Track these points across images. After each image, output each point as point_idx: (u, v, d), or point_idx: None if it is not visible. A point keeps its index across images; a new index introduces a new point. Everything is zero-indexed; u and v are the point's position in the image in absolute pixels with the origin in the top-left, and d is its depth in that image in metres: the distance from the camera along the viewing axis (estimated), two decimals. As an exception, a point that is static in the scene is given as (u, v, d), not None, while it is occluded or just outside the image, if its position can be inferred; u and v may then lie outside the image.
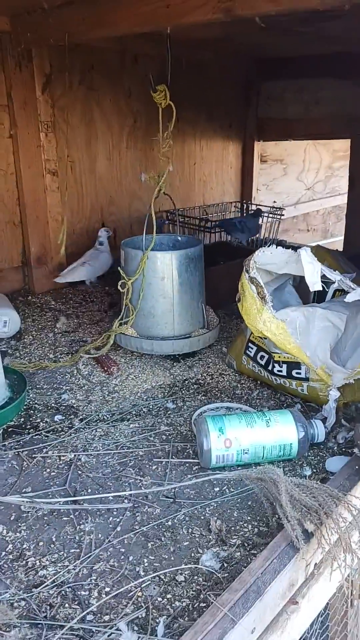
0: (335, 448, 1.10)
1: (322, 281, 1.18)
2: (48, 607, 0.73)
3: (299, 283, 1.37)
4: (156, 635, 0.68)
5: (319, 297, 1.34)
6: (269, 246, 1.15)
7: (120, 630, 0.69)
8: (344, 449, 1.09)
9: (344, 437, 1.12)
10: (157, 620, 0.70)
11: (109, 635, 0.68)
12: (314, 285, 1.05)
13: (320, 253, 1.27)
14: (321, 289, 1.08)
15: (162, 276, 1.39)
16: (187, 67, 2.35)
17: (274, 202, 3.01)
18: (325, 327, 1.14)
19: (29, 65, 1.82)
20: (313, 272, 1.04)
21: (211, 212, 2.59)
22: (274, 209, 2.62)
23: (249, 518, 0.91)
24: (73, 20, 1.47)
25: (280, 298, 1.26)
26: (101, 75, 2.08)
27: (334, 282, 1.16)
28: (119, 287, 1.42)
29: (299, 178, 3.25)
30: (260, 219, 2.37)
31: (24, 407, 1.25)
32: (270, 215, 2.58)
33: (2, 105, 1.83)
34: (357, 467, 0.97)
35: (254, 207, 2.53)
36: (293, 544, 0.78)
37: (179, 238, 1.60)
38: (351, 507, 0.87)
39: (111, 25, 1.36)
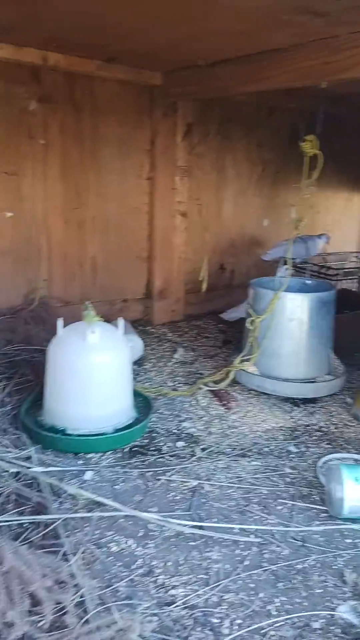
0: None
1: None
2: (182, 628, 0.74)
3: None
4: None
5: None
6: None
7: (257, 665, 0.67)
8: None
9: None
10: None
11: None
12: None
13: None
14: None
15: (292, 318, 1.41)
16: (321, 119, 2.44)
17: None
18: None
19: (173, 115, 2.00)
20: None
21: (331, 261, 2.58)
22: None
23: (388, 577, 0.86)
24: (227, 75, 1.61)
25: None
26: (236, 126, 2.22)
27: None
28: (247, 324, 1.46)
29: None
30: None
31: (147, 430, 1.31)
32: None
33: (146, 150, 2.02)
34: None
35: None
36: None
37: (307, 282, 1.62)
38: None
39: (266, 80, 1.47)
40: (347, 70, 1.23)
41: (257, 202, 2.37)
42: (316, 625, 0.76)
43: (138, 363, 1.71)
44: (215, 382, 1.54)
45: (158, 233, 2.07)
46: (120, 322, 1.26)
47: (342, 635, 0.74)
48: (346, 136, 2.59)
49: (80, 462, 1.15)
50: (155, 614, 0.76)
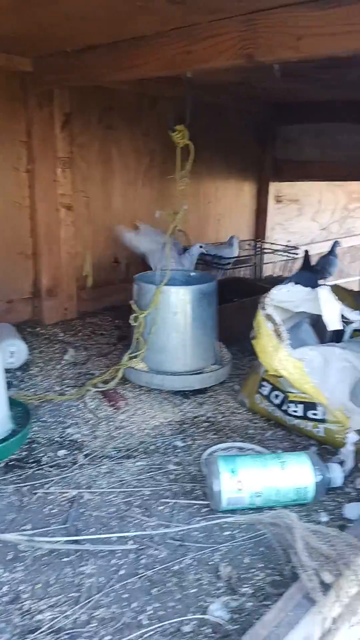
0: (354, 494, 1.06)
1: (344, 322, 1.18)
2: (43, 656, 0.69)
3: (316, 322, 1.36)
4: None
5: (337, 337, 1.33)
6: (286, 284, 1.16)
7: None
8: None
9: (363, 483, 1.08)
10: (161, 675, 0.66)
11: None
12: (333, 324, 1.04)
13: (341, 292, 1.27)
14: (340, 327, 1.07)
15: (176, 311, 1.40)
16: (204, 109, 2.44)
17: (288, 241, 3.05)
18: (344, 367, 1.13)
19: (49, 104, 1.90)
20: (331, 311, 1.03)
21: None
22: (288, 248, 2.66)
23: (261, 565, 0.86)
24: (96, 63, 1.55)
25: (297, 337, 1.25)
26: (120, 116, 2.16)
27: (351, 322, 1.15)
28: (131, 321, 1.42)
29: (313, 218, 3.30)
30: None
31: (27, 441, 1.23)
32: (285, 253, 2.62)
33: (22, 141, 1.91)
34: (376, 514, 0.93)
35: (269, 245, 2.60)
36: (309, 596, 0.74)
37: (192, 274, 1.62)
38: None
39: (133, 69, 1.43)
40: (208, 60, 1.22)
41: (147, 194, 2.34)
42: (187, 628, 0.74)
43: (22, 368, 1.62)
44: (104, 382, 1.49)
45: (42, 228, 1.96)
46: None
47: (213, 635, 0.73)
48: (230, 125, 2.63)
49: None
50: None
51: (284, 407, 1.26)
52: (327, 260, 2.68)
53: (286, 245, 2.68)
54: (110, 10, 1.19)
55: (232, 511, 1.00)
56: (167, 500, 1.04)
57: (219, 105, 2.52)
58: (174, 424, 1.35)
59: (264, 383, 1.33)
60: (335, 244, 2.72)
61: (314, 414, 1.20)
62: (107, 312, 2.22)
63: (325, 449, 1.22)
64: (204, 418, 1.38)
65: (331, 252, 2.70)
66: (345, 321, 1.23)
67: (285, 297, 1.14)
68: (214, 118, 2.53)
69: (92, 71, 1.58)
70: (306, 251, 2.42)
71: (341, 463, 1.13)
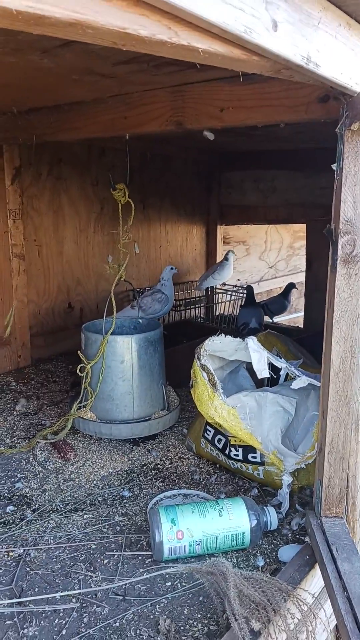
0: (290, 535, 1.11)
1: (273, 368, 1.26)
2: None
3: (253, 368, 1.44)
4: None
5: (272, 380, 1.40)
6: (218, 335, 1.23)
7: None
8: (297, 536, 1.11)
9: (297, 524, 1.14)
10: None
11: None
12: (261, 372, 1.12)
13: (270, 339, 1.35)
14: (268, 376, 1.15)
15: (122, 359, 1.44)
16: (151, 158, 2.56)
17: (238, 280, 3.16)
18: (277, 411, 1.19)
19: (-1, 159, 1.96)
20: (260, 360, 1.10)
21: (176, 291, 2.70)
22: (237, 287, 2.76)
23: (199, 616, 0.90)
24: (40, 123, 1.62)
25: (235, 381, 1.32)
26: (69, 166, 2.24)
27: (292, 384, 1.23)
28: (78, 371, 1.46)
29: (261, 257, 3.44)
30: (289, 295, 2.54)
31: (-25, 498, 1.23)
32: (234, 292, 2.72)
33: (-28, 195, 1.95)
34: (307, 556, 0.99)
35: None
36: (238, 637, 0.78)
37: (140, 321, 1.67)
38: (300, 602, 0.87)
39: (75, 130, 1.51)
40: (142, 125, 1.31)
41: (99, 240, 2.40)
42: None
43: (-27, 421, 1.62)
44: (54, 433, 1.51)
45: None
46: None
47: None
48: (178, 173, 2.76)
49: None
50: None
51: (227, 451, 1.32)
52: (277, 302, 2.66)
53: (235, 285, 2.79)
54: (47, 81, 1.26)
55: (174, 560, 1.03)
56: (113, 552, 1.06)
57: (167, 155, 2.65)
58: (122, 473, 1.37)
59: (208, 427, 1.39)
60: (290, 286, 2.66)
61: (254, 457, 1.26)
62: (61, 358, 2.24)
63: (266, 491, 1.28)
64: (152, 465, 1.41)
65: (284, 294, 2.68)
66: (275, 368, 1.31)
67: (218, 347, 1.21)
68: (162, 166, 2.64)
69: (37, 131, 1.66)
70: (249, 286, 2.51)
71: (279, 504, 1.19)
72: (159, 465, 1.41)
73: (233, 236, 3.16)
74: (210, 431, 1.38)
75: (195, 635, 0.86)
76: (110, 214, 2.41)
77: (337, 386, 0.95)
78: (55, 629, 0.87)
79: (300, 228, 3.60)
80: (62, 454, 1.43)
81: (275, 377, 1.34)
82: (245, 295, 2.59)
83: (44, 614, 0.90)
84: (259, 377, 1.13)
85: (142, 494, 1.27)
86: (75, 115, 1.50)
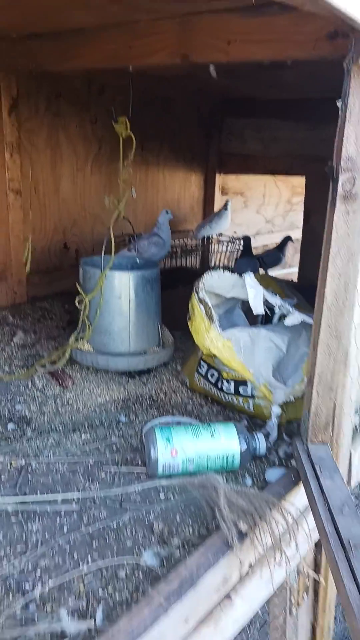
0: (277, 461, 1.19)
1: (268, 306, 1.30)
2: (-8, 600, 0.78)
3: (248, 308, 1.48)
4: (95, 622, 0.73)
5: (267, 320, 1.45)
6: (216, 270, 1.26)
7: (60, 617, 0.74)
8: (284, 462, 1.18)
9: (284, 451, 1.21)
10: (97, 609, 0.76)
11: (49, 623, 0.73)
12: (257, 308, 1.16)
13: (267, 279, 1.39)
14: (263, 312, 1.19)
15: (119, 295, 1.48)
16: (152, 100, 2.51)
17: (234, 232, 3.17)
18: (269, 347, 1.25)
19: (-4, 88, 1.91)
20: (256, 296, 1.15)
21: (172, 239, 2.71)
22: (233, 239, 2.78)
23: (190, 522, 0.98)
24: (41, 51, 1.58)
25: (230, 320, 1.36)
26: (68, 103, 2.19)
27: (285, 320, 1.28)
28: (77, 304, 1.49)
29: (258, 211, 3.44)
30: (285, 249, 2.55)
31: (-23, 417, 1.29)
32: (230, 243, 2.74)
33: (-31, 125, 1.91)
34: (293, 476, 1.06)
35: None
36: (228, 543, 0.86)
37: (138, 260, 1.70)
38: (284, 512, 0.95)
39: (77, 59, 1.47)
40: (147, 56, 1.29)
41: (96, 180, 2.38)
42: (122, 574, 0.84)
43: (-28, 350, 1.66)
44: (52, 363, 1.56)
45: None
46: None
47: (144, 578, 0.84)
48: (178, 117, 2.71)
49: None
50: (-33, 593, 0.79)
51: (219, 385, 1.38)
52: (272, 255, 2.71)
53: (231, 237, 2.81)
54: (49, 2, 1.21)
55: (168, 477, 1.10)
56: (109, 467, 1.13)
57: (167, 98, 2.59)
58: (119, 401, 1.44)
59: (202, 363, 1.44)
60: (286, 239, 2.66)
61: (244, 391, 1.32)
62: (57, 297, 2.26)
63: (255, 423, 1.35)
64: (147, 396, 1.48)
65: (279, 247, 2.69)
66: (270, 307, 1.36)
67: (216, 282, 1.24)
68: (163, 109, 2.59)
69: (37, 58, 1.61)
70: (246, 237, 2.53)
71: (267, 435, 1.26)
72: (153, 396, 1.47)
73: (231, 187, 3.15)
74: (204, 366, 1.44)
75: (187, 536, 0.94)
76: (108, 154, 2.38)
77: (328, 320, 1.00)
78: (57, 526, 0.94)
79: (299, 183, 3.59)
80: (60, 382, 1.49)
81: (270, 316, 1.39)
82: (242, 247, 2.61)
83: (46, 514, 0.97)
84: (255, 312, 1.18)
85: (137, 420, 1.34)
86: (78, 42, 1.46)
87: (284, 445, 1.24)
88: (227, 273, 1.25)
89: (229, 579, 0.86)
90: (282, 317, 1.45)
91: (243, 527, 0.87)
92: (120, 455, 1.18)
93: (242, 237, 2.60)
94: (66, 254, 2.35)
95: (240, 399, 1.34)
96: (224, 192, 3.10)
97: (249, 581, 0.91)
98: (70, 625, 0.73)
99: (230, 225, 3.14)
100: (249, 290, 1.15)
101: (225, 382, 1.35)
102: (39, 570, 0.83)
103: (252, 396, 1.31)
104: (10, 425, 1.27)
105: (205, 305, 1.18)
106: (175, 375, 1.61)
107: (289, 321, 1.16)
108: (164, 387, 1.54)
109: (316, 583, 1.24)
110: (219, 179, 2.98)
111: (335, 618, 1.42)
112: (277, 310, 1.27)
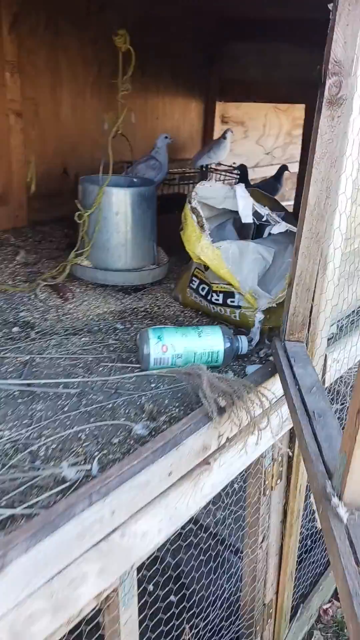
0: (257, 360, 1.30)
1: (258, 222, 1.37)
2: (4, 455, 0.90)
3: (240, 227, 1.55)
4: (91, 470, 0.86)
5: (256, 237, 1.52)
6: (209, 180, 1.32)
7: (62, 467, 0.86)
8: (264, 361, 1.30)
9: (265, 352, 1.33)
10: (93, 462, 0.89)
11: (53, 471, 0.86)
12: (246, 217, 1.23)
13: (257, 194, 1.44)
14: (252, 221, 1.26)
15: (117, 211, 1.54)
16: (152, 22, 2.45)
17: (234, 163, 3.17)
18: (256, 259, 1.33)
19: (-5, 3, 1.88)
20: (245, 206, 1.21)
21: (170, 168, 2.72)
22: (233, 168, 2.79)
23: (177, 404, 1.10)
24: None
25: (221, 234, 1.44)
26: (67, 22, 2.15)
27: (268, 223, 1.35)
28: (76, 218, 1.56)
29: (258, 142, 3.41)
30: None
31: (-16, 321, 1.39)
32: (228, 174, 2.75)
33: (-32, 42, 1.89)
34: (270, 368, 1.18)
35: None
36: (208, 415, 0.98)
37: (135, 180, 1.75)
38: (260, 395, 1.07)
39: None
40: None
41: (96, 105, 2.37)
42: (116, 440, 0.97)
43: (-23, 265, 1.75)
44: (53, 278, 1.65)
45: (-9, 134, 2.01)
46: None
47: (135, 443, 0.97)
48: (179, 41, 2.65)
49: None
50: (-18, 451, 0.92)
51: (209, 297, 1.47)
52: (269, 184, 2.77)
53: (230, 166, 2.81)
54: None
55: (158, 370, 1.22)
56: (107, 363, 1.24)
57: (168, 20, 2.52)
58: (116, 312, 1.54)
59: (194, 278, 1.53)
60: (282, 168, 2.68)
61: (232, 302, 1.42)
62: (57, 222, 2.31)
63: (240, 332, 1.45)
64: (142, 309, 1.57)
65: (276, 177, 2.76)
66: (263, 224, 1.42)
67: (209, 193, 1.30)
68: (162, 33, 2.53)
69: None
70: (242, 165, 2.54)
71: (250, 339, 1.37)
72: (148, 309, 1.57)
73: (232, 116, 3.11)
74: (195, 281, 1.53)
75: (173, 414, 1.06)
76: (108, 76, 2.34)
77: (310, 224, 1.07)
78: (58, 406, 1.06)
79: (300, 115, 3.53)
80: (61, 295, 1.58)
81: (260, 233, 1.46)
82: (238, 176, 2.63)
83: (48, 397, 1.09)
84: (243, 221, 1.25)
85: (132, 327, 1.44)
86: None
87: (265, 348, 1.35)
88: (219, 184, 1.31)
89: (209, 447, 0.99)
90: (270, 235, 1.52)
91: (222, 402, 0.99)
92: (116, 354, 1.29)
93: (238, 165, 2.62)
94: (65, 179, 2.38)
95: (228, 310, 1.44)
96: (224, 121, 3.07)
97: (226, 452, 1.04)
98: (71, 472, 0.86)
99: (229, 156, 3.13)
100: (239, 200, 1.22)
101: (214, 294, 1.45)
102: (43, 438, 0.96)
103: (239, 307, 1.41)
104: (15, 329, 1.38)
105: (197, 214, 1.25)
106: (168, 293, 1.70)
107: (275, 229, 1.24)
108: (158, 302, 1.63)
109: (289, 470, 1.39)
110: (220, 107, 2.95)
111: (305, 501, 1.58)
112: (269, 228, 1.33)
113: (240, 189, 1.23)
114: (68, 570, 0.74)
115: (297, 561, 1.62)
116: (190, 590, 1.63)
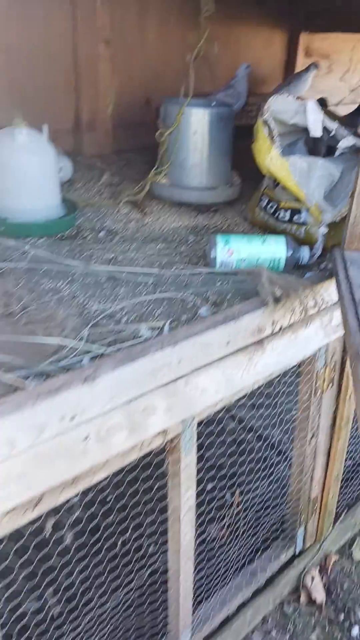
0: (318, 272, 1.41)
1: (327, 139, 1.43)
2: (93, 319, 1.10)
3: (312, 148, 1.61)
4: (163, 330, 1.04)
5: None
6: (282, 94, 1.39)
7: (140, 328, 1.05)
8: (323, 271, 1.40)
9: (325, 265, 1.42)
10: (165, 324, 1.06)
11: (132, 330, 1.05)
12: (315, 131, 1.30)
13: (330, 114, 1.49)
14: (320, 135, 1.33)
15: (195, 131, 1.65)
16: None
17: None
18: (323, 175, 1.41)
19: None
20: (315, 120, 1.28)
21: (250, 101, 2.75)
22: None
23: (238, 297, 1.24)
24: None
25: (292, 152, 1.51)
26: None
27: (337, 141, 1.41)
28: (157, 137, 1.69)
29: (342, 78, 3.30)
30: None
31: (75, 226, 1.59)
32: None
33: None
34: (327, 274, 1.28)
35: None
36: (264, 302, 1.12)
37: (213, 103, 1.84)
38: (315, 293, 1.19)
39: None
40: None
41: (181, 34, 2.43)
42: (184, 317, 1.14)
43: (68, 184, 1.94)
44: (135, 195, 1.81)
45: (83, 62, 2.15)
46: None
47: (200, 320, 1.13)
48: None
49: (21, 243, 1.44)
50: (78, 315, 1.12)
51: (276, 215, 1.57)
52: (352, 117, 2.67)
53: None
54: None
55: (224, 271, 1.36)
56: (179, 264, 1.40)
57: None
58: (189, 227, 1.68)
59: (263, 197, 1.63)
60: None
61: (298, 219, 1.51)
62: (140, 151, 2.46)
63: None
64: (213, 226, 1.71)
65: (356, 112, 2.68)
66: (332, 146, 1.48)
67: (281, 106, 1.38)
68: None
69: None
70: (321, 98, 2.50)
71: (313, 255, 1.47)
72: (218, 226, 1.70)
73: (317, 48, 3.04)
74: (264, 200, 1.63)
75: (234, 304, 1.20)
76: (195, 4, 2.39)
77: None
78: (137, 292, 1.24)
79: (392, 48, 3.35)
80: (141, 209, 1.75)
81: (330, 152, 1.52)
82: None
83: (129, 282, 1.27)
84: (312, 134, 1.32)
85: (203, 240, 1.58)
86: None
87: (326, 262, 1.44)
88: (290, 97, 1.38)
89: (263, 329, 1.13)
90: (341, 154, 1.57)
91: (278, 292, 1.12)
92: (188, 259, 1.45)
93: (317, 99, 2.59)
94: (148, 110, 2.50)
95: (294, 227, 1.53)
96: (307, 54, 3.00)
97: (280, 339, 1.18)
98: (147, 332, 1.04)
99: (310, 92, 3.08)
100: (309, 114, 1.29)
101: (282, 211, 1.54)
102: (124, 311, 1.15)
103: (305, 223, 1.50)
104: (102, 234, 1.56)
105: (269, 127, 1.34)
106: (239, 213, 1.81)
107: (342, 144, 1.30)
108: (229, 221, 1.76)
109: (341, 377, 1.51)
110: (304, 39, 2.89)
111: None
112: (340, 146, 1.39)
113: (312, 103, 1.30)
114: (142, 399, 0.93)
115: (343, 477, 1.76)
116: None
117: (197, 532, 1.33)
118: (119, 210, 1.76)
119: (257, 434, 1.97)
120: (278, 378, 1.41)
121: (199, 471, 1.23)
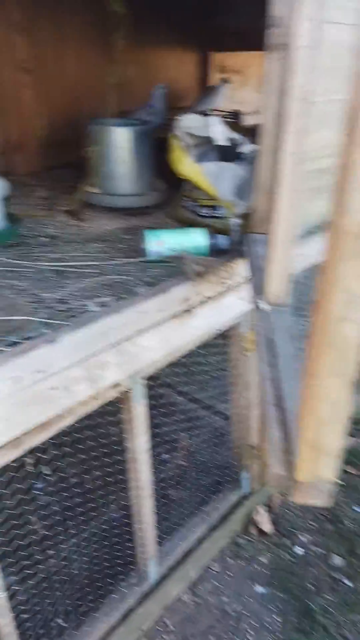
0: (236, 254, 1.83)
1: (232, 146, 1.88)
2: (42, 303, 1.45)
3: (223, 157, 2.06)
4: (109, 304, 1.41)
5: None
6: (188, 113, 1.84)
7: (88, 304, 1.41)
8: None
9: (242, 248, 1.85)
10: (108, 300, 1.43)
11: (80, 306, 1.41)
12: (218, 140, 1.75)
13: (237, 126, 1.95)
14: (225, 143, 1.78)
15: (120, 146, 2.07)
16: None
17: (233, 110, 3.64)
18: (232, 176, 1.85)
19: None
20: (217, 132, 1.73)
21: (170, 115, 3.22)
22: (232, 114, 3.27)
23: (169, 278, 1.63)
24: None
25: (205, 159, 1.95)
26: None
27: (240, 147, 1.86)
28: (84, 154, 2.09)
29: (257, 90, 3.87)
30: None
31: (19, 236, 1.94)
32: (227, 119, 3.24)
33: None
34: (239, 255, 1.71)
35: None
36: (188, 278, 1.51)
37: (135, 122, 2.26)
38: (231, 267, 1.60)
39: None
40: None
41: (99, 61, 2.87)
42: (125, 295, 1.51)
43: (6, 200, 2.29)
44: (69, 204, 2.19)
45: (7, 90, 2.53)
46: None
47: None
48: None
49: (-28, 252, 1.78)
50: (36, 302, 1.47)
51: (197, 212, 2.00)
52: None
53: (229, 112, 3.29)
54: None
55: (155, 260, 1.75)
56: (118, 258, 1.78)
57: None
58: (124, 228, 2.07)
59: (185, 198, 2.05)
60: None
61: (216, 213, 1.94)
62: (68, 167, 2.85)
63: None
64: (145, 225, 2.11)
65: None
66: (234, 144, 1.93)
67: (190, 123, 1.82)
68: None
69: None
70: (236, 110, 3.00)
71: (230, 241, 1.89)
72: (149, 226, 2.10)
73: (230, 65, 3.58)
74: (186, 201, 2.05)
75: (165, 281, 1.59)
76: (107, 33, 2.85)
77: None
78: (82, 282, 1.61)
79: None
80: (77, 217, 2.12)
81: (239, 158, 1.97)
82: (234, 120, 3.11)
83: (74, 275, 1.64)
84: (218, 143, 1.76)
85: (137, 237, 1.98)
86: None
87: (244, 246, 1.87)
88: (197, 115, 1.83)
89: (189, 299, 1.53)
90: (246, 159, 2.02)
91: (199, 268, 1.53)
92: (125, 253, 1.83)
93: (232, 111, 3.10)
94: (74, 129, 2.90)
95: (213, 220, 1.96)
96: (222, 70, 3.54)
97: (205, 306, 1.58)
98: (94, 307, 1.40)
99: (230, 102, 3.60)
100: (211, 128, 1.73)
101: (202, 208, 1.97)
102: (74, 295, 1.51)
103: (222, 217, 1.93)
104: (45, 239, 1.93)
105: (181, 140, 1.77)
106: (166, 214, 2.23)
107: (245, 149, 1.75)
108: (158, 220, 2.17)
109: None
110: (218, 57, 3.42)
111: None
112: (237, 141, 1.84)
113: (215, 119, 1.75)
114: (96, 357, 1.29)
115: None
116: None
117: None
118: (57, 219, 2.13)
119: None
120: (203, 352, 1.82)
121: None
